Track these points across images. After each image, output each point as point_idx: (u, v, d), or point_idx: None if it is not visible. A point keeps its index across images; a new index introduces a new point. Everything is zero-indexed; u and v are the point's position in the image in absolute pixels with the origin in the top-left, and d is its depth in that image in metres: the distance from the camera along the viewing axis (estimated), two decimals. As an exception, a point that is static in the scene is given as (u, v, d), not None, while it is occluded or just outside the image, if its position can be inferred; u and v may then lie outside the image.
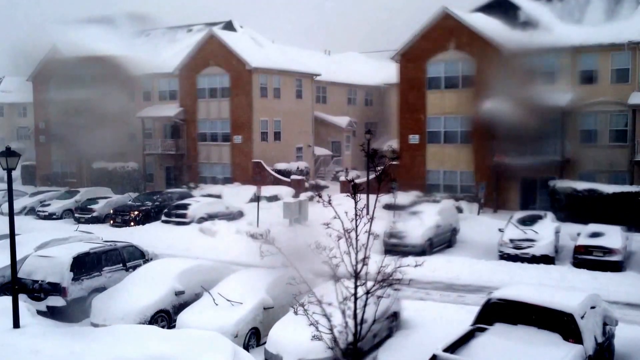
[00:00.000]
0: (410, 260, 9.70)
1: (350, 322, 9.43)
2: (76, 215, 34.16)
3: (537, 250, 22.05)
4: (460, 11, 34.17)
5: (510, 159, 31.48)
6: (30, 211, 36.63)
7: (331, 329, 9.35)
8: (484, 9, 35.93)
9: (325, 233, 9.16)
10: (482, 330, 11.81)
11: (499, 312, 12.08)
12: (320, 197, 9.90)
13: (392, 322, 14.88)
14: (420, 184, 34.65)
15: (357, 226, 9.17)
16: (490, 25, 33.73)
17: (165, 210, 31.54)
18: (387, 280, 9.35)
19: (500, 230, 23.60)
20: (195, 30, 47.78)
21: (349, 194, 9.45)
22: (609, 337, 12.59)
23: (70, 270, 16.73)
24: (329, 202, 9.39)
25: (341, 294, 9.28)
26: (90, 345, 12.38)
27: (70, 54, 43.22)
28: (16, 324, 13.96)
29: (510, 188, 32.81)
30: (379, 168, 9.77)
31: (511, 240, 22.54)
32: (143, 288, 15.89)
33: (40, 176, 49.63)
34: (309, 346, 11.54)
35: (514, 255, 22.19)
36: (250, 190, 36.34)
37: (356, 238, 9.16)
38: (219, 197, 36.09)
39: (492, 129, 30.12)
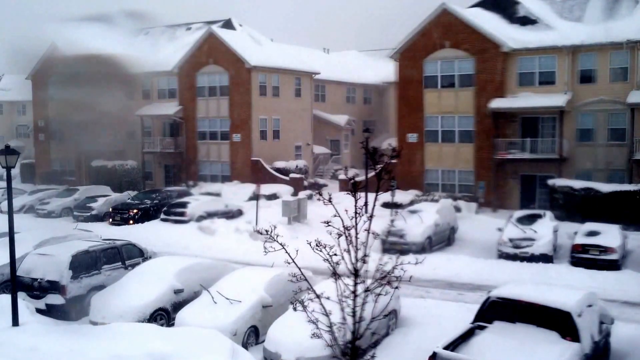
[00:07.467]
0: (411, 258, 9.70)
1: (349, 320, 9.45)
2: (75, 213, 34.16)
3: (536, 249, 22.07)
4: (460, 7, 34.13)
5: (511, 155, 31.60)
6: (30, 209, 36.66)
7: (330, 327, 9.37)
8: (482, 4, 35.97)
9: (326, 231, 9.16)
10: (482, 328, 11.85)
11: (499, 310, 12.13)
12: (320, 195, 9.91)
13: (391, 320, 14.93)
14: (418, 183, 34.68)
15: (357, 224, 9.17)
16: (489, 22, 33.74)
17: (164, 208, 31.53)
18: (386, 278, 9.36)
19: (500, 229, 23.63)
20: (195, 29, 47.75)
21: (348, 192, 9.45)
22: (605, 335, 12.64)
23: (70, 269, 16.73)
24: (329, 200, 9.40)
25: (340, 292, 9.29)
26: (89, 343, 12.41)
27: (69, 52, 43.19)
28: (15, 322, 13.97)
29: (510, 186, 32.85)
30: (378, 166, 9.77)
31: (510, 240, 22.56)
32: (142, 286, 15.89)
33: (40, 174, 49.60)
34: (308, 344, 11.57)
35: (513, 254, 22.23)
36: (249, 188, 36.40)
37: (356, 236, 9.18)
38: (218, 195, 36.11)
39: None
